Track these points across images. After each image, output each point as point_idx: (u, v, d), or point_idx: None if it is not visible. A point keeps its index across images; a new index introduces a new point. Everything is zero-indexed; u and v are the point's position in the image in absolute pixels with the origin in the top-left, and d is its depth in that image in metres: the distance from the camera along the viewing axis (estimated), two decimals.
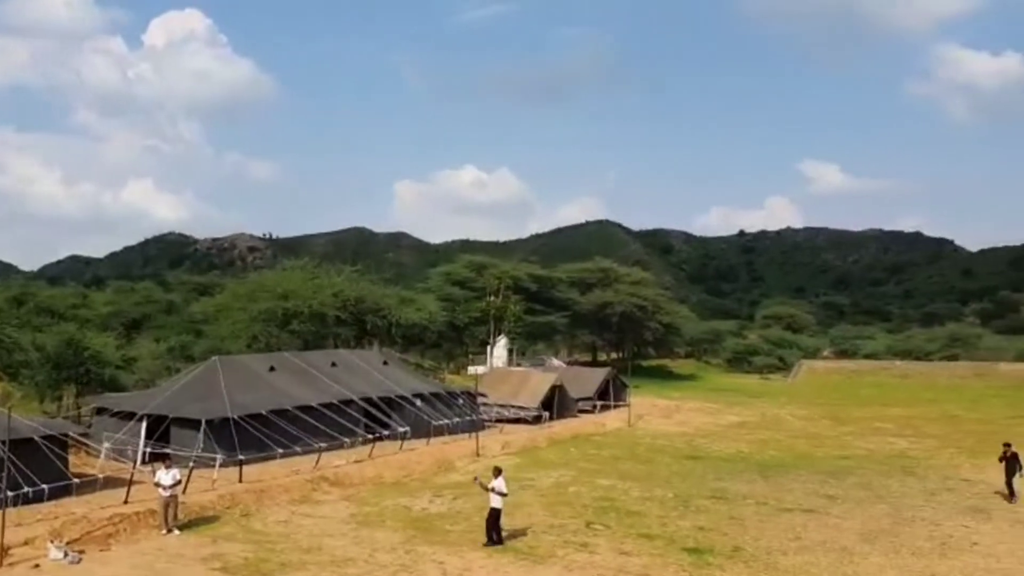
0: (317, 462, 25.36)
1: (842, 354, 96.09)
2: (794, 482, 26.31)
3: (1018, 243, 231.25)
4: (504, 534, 17.78)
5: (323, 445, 26.87)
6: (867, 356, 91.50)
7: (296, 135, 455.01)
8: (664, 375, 77.30)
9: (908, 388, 69.86)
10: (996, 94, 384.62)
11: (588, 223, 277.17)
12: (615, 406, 46.83)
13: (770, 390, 68.06)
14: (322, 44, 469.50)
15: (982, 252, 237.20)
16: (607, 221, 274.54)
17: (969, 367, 78.28)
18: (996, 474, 28.45)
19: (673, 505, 22.42)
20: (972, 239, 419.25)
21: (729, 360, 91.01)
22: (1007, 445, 24.60)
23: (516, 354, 68.37)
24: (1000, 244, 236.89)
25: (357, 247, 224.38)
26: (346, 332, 54.35)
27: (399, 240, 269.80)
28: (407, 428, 31.33)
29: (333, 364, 34.14)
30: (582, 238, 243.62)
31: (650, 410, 47.54)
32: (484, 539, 17.45)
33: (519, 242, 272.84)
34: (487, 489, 17.68)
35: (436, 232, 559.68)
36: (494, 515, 17.53)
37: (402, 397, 32.83)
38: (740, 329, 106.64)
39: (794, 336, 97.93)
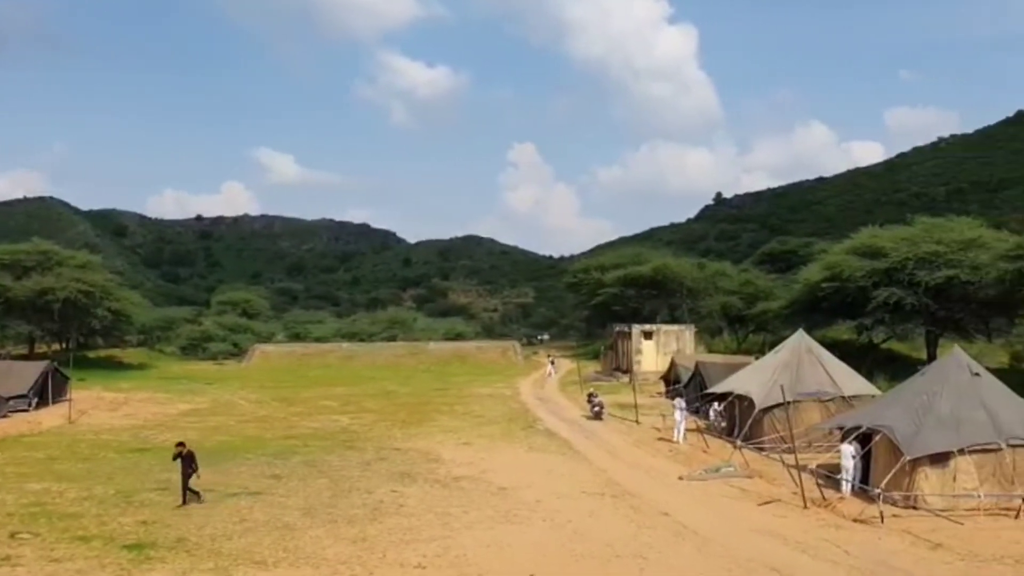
0: None
1: (295, 338, 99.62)
2: (242, 466, 26.87)
3: (447, 237, 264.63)
4: None
5: None
6: (317, 339, 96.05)
7: None
8: (113, 366, 72.53)
9: (352, 368, 75.47)
10: (429, 102, 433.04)
11: (26, 199, 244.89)
12: (55, 402, 43.05)
13: (224, 376, 68.03)
14: None
15: (419, 244, 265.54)
16: (51, 198, 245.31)
17: (405, 347, 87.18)
18: (423, 442, 32.48)
19: (115, 502, 21.46)
20: (411, 232, 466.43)
21: (184, 348, 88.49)
22: (180, 444, 22.43)
23: None
24: (433, 237, 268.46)
25: None
26: None
27: None
28: None
29: None
30: (19, 216, 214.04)
31: (96, 404, 44.69)
32: None
33: None
34: None
35: None
36: None
37: None
38: (196, 316, 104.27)
39: (249, 321, 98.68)
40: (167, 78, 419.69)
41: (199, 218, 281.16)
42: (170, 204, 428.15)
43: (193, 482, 21.54)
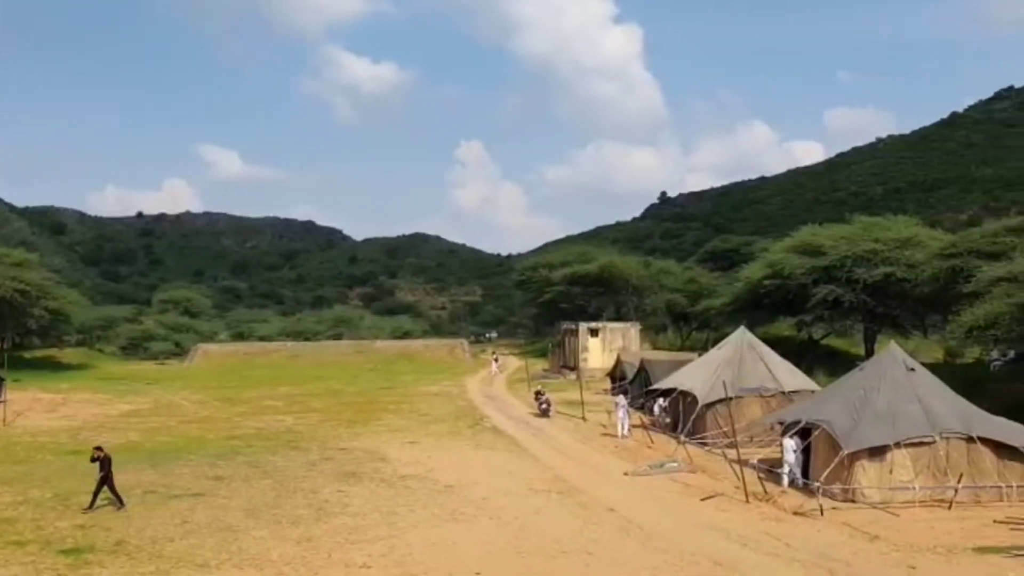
0: None
1: (238, 337, 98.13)
2: (184, 467, 26.37)
3: (394, 235, 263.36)
4: None
5: None
6: (261, 338, 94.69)
7: None
8: (51, 366, 70.59)
9: (297, 367, 74.60)
10: (375, 98, 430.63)
11: None
12: None
13: (166, 376, 66.77)
14: None
15: (366, 241, 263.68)
16: None
17: (352, 345, 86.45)
18: (369, 441, 32.24)
19: (52, 505, 20.92)
20: (358, 229, 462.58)
21: (124, 347, 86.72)
22: (98, 449, 21.66)
23: None
24: (380, 235, 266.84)
25: None
26: None
27: None
28: None
29: None
30: None
31: (32, 405, 43.50)
32: None
33: None
34: None
35: None
36: None
37: None
38: (137, 314, 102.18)
39: (191, 320, 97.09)
40: (108, 73, 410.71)
41: (140, 215, 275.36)
42: (111, 201, 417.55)
43: (95, 487, 20.82)
